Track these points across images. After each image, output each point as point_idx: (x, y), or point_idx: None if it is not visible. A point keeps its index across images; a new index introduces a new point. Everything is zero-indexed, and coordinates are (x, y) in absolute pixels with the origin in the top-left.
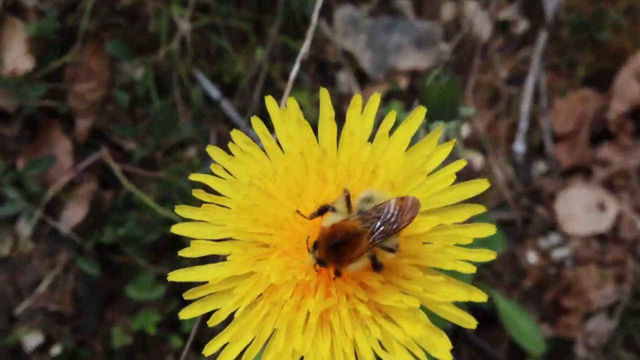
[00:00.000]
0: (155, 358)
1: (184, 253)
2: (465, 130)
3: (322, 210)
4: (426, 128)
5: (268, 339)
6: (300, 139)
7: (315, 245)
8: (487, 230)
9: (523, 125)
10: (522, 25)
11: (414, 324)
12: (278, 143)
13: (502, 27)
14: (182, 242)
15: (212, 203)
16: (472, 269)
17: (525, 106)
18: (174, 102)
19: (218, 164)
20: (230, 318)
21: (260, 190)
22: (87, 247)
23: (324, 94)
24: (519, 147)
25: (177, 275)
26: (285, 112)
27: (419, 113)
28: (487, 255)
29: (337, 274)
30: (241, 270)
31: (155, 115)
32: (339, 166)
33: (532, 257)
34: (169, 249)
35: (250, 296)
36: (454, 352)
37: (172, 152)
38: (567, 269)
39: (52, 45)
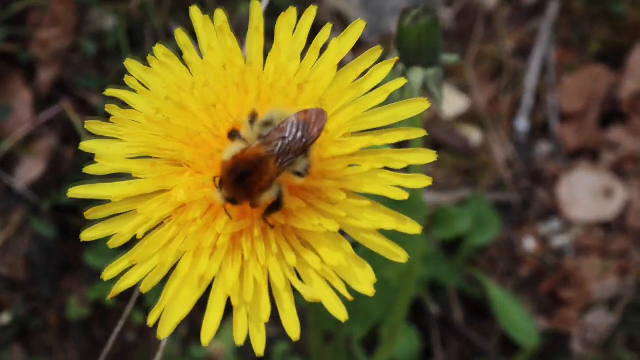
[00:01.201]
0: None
1: (89, 170)
2: (463, 103)
3: (231, 135)
4: (403, 75)
5: (175, 265)
6: (222, 49)
7: (221, 183)
8: (425, 156)
9: (527, 100)
10: None
11: (333, 252)
12: (201, 56)
13: None
14: None
15: (121, 118)
16: (404, 195)
17: (530, 81)
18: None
19: (133, 76)
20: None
21: (175, 103)
22: (44, 208)
23: (255, 5)
24: (522, 124)
25: (77, 191)
26: (208, 21)
27: (357, 25)
28: (422, 181)
29: (254, 206)
30: (150, 189)
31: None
32: (263, 77)
33: (529, 244)
34: None
35: (156, 216)
36: (441, 343)
37: None
38: (567, 258)
39: None
